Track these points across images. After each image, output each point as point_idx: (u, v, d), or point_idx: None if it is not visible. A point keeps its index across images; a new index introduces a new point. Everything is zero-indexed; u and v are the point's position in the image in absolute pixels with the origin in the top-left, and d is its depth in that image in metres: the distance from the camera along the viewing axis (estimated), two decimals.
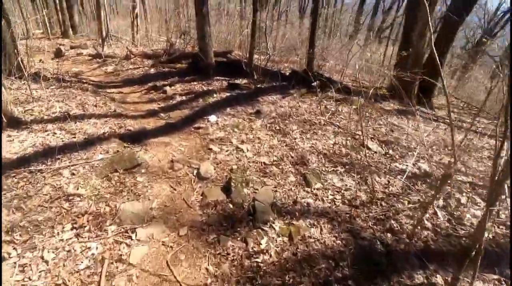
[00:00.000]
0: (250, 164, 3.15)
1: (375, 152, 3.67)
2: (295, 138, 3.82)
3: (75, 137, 3.40)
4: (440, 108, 7.31)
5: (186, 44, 8.54)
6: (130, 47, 8.91)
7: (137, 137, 3.67)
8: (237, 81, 6.52)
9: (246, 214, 2.34)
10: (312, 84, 6.31)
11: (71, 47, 10.34)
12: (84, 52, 9.52)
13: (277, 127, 4.14)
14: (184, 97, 5.45)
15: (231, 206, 2.45)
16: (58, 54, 9.20)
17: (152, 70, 7.26)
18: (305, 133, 4.07)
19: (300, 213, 2.35)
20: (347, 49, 10.19)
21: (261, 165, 3.12)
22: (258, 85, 6.26)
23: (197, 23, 6.31)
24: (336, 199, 2.61)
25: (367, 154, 3.56)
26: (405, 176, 2.87)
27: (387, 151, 3.72)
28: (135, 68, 7.59)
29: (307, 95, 5.90)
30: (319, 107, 5.28)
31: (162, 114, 4.67)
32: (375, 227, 2.29)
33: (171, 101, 5.34)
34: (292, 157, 3.29)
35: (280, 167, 3.08)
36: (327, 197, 2.63)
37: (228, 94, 5.57)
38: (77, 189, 2.57)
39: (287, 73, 7.44)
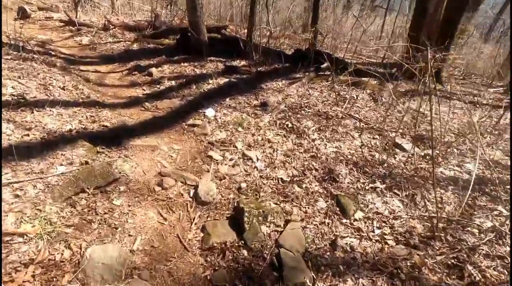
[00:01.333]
0: (263, 180, 2.44)
1: (412, 154, 3.02)
2: (313, 140, 3.11)
3: (28, 135, 2.54)
4: (445, 81, 6.68)
5: (174, 16, 7.40)
6: (109, 16, 7.66)
7: (115, 138, 2.85)
8: (235, 63, 5.61)
9: (268, 268, 1.67)
10: (322, 66, 5.51)
11: (39, 9, 8.90)
12: (55, 17, 8.16)
13: (289, 125, 3.40)
14: (173, 83, 4.56)
15: (245, 253, 1.76)
16: (23, 15, 7.81)
17: (135, 46, 6.20)
18: (323, 131, 3.36)
19: (344, 265, 1.70)
20: (343, 21, 9.30)
21: (278, 183, 2.42)
22: (260, 69, 5.40)
23: None
24: (386, 235, 1.97)
25: (404, 157, 2.91)
26: (470, 189, 2.13)
27: (426, 152, 3.08)
28: (115, 42, 6.49)
29: (316, 79, 5.11)
30: (332, 95, 4.55)
31: (147, 103, 3.81)
32: (450, 281, 1.68)
33: (158, 86, 4.45)
34: (315, 169, 2.59)
35: (304, 185, 2.39)
36: (373, 232, 1.98)
37: (226, 80, 4.70)
38: (20, 224, 1.80)
39: (290, 53, 6.57)
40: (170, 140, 3.05)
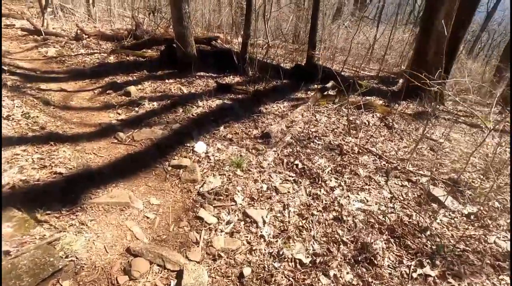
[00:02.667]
0: (275, 262, 1.75)
1: (453, 211, 2.42)
2: (332, 189, 2.46)
3: None
4: (446, 100, 6.29)
5: (158, 25, 6.68)
6: (82, 25, 6.85)
7: (69, 192, 2.09)
8: (228, 80, 4.96)
9: None
10: (327, 85, 4.95)
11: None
12: (17, 24, 7.27)
13: (299, 165, 2.74)
14: (155, 104, 3.82)
15: None
16: None
17: (112, 58, 5.43)
18: (340, 174, 2.72)
19: None
20: (334, 32, 8.90)
21: (296, 266, 1.73)
22: (257, 86, 4.75)
23: (172, 1, 4.56)
24: None
25: (446, 217, 2.30)
26: None
27: (469, 209, 2.48)
28: (88, 53, 5.69)
29: (322, 101, 4.51)
30: (341, 121, 3.95)
31: (121, 134, 3.05)
32: None
33: (136, 109, 3.70)
34: (343, 242, 1.92)
35: (331, 272, 1.70)
36: None
37: (218, 101, 4.01)
38: None
39: (285, 65, 5.98)
40: (147, 191, 2.31)
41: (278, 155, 2.88)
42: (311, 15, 6.15)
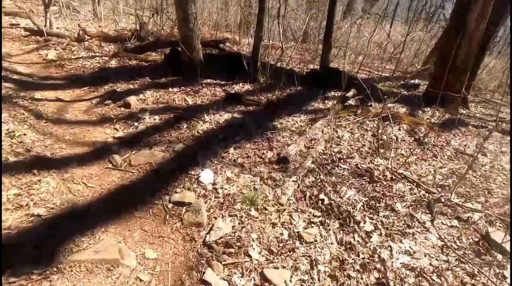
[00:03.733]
0: None
1: None
2: (368, 235, 2.00)
3: None
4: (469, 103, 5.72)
5: (162, 26, 6.26)
6: (85, 25, 6.49)
7: (49, 238, 1.70)
8: (237, 88, 4.51)
9: None
10: (347, 95, 4.46)
11: (5, 14, 7.69)
12: (22, 24, 6.97)
13: (325, 200, 2.29)
14: (157, 118, 3.42)
15: None
16: None
17: (113, 63, 5.04)
18: (375, 211, 2.26)
19: None
20: (344, 30, 8.32)
21: None
22: (269, 96, 4.29)
23: (177, 1, 4.11)
24: None
25: None
26: None
27: None
28: (89, 57, 5.32)
29: (342, 113, 4.03)
30: (366, 137, 3.48)
31: (117, 156, 2.66)
32: None
33: (136, 124, 3.30)
34: None
35: None
36: None
37: (227, 116, 3.57)
38: None
39: (298, 69, 5.50)
40: (142, 238, 1.90)
41: (299, 186, 2.44)
42: (328, 12, 5.63)
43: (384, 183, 2.66)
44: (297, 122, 3.62)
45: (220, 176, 2.45)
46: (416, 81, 6.58)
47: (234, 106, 3.87)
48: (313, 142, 3.14)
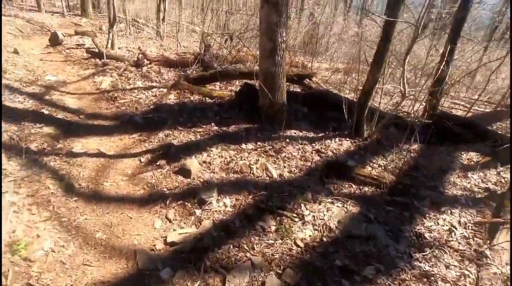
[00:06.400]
0: None
1: None
2: None
3: None
4: None
5: (230, 50, 5.25)
6: (145, 48, 5.82)
7: None
8: (333, 146, 3.15)
9: None
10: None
11: (76, 33, 7.56)
12: (87, 44, 6.66)
13: None
14: (228, 204, 2.22)
15: None
16: (54, 41, 6.49)
17: (172, 98, 4.09)
18: None
19: None
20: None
21: None
22: (384, 162, 2.85)
23: (263, 25, 2.94)
24: None
25: None
26: None
27: None
28: (146, 88, 4.48)
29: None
30: None
31: (163, 274, 1.49)
32: None
33: (198, 214, 2.15)
34: None
35: None
36: None
37: (336, 208, 2.22)
38: None
39: (419, 121, 3.93)
40: None
41: None
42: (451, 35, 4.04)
43: None
44: (456, 229, 2.11)
45: None
46: None
47: (340, 184, 2.52)
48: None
